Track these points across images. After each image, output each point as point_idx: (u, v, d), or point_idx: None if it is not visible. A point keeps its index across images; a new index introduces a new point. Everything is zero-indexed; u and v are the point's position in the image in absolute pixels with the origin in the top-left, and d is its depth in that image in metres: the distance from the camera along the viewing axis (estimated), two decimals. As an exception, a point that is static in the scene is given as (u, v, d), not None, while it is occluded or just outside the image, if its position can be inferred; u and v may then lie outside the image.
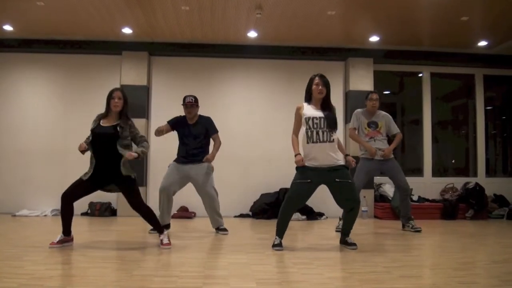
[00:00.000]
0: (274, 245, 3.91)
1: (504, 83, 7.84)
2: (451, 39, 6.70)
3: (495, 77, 7.64)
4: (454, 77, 7.70)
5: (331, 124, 3.82)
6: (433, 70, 7.46)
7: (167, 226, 4.80)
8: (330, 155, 3.80)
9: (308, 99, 3.97)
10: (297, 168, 3.91)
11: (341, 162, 3.89)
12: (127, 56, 6.86)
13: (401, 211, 5.32)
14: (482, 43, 6.88)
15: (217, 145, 4.94)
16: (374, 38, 6.71)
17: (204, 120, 4.97)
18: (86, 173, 3.88)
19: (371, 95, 5.26)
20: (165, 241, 3.94)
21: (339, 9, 5.63)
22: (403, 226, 5.30)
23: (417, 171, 7.34)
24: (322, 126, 3.80)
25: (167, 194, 4.75)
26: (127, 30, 6.43)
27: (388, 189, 6.83)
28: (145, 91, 6.86)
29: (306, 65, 7.12)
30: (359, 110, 5.36)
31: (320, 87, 3.86)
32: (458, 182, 7.09)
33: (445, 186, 7.08)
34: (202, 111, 5.05)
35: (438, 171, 7.54)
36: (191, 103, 4.87)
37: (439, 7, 5.45)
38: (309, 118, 3.83)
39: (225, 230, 4.90)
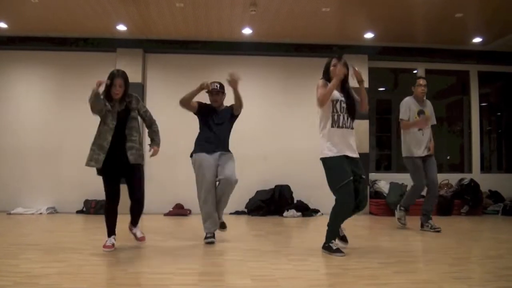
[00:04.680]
0: (334, 251, 3.51)
1: (498, 80, 7.87)
2: (445, 36, 6.70)
3: (490, 74, 7.67)
4: (449, 74, 7.73)
5: (352, 110, 3.65)
6: (427, 66, 7.45)
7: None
8: (350, 144, 3.63)
9: (327, 80, 3.69)
10: (324, 160, 3.61)
11: (357, 154, 3.69)
12: (122, 53, 6.83)
13: (423, 209, 5.04)
14: (477, 40, 6.89)
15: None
16: (368, 35, 6.70)
17: (229, 107, 4.52)
18: (94, 160, 3.50)
19: (418, 81, 5.00)
20: (139, 234, 3.86)
21: (334, 6, 5.63)
22: (422, 225, 5.02)
23: (412, 168, 7.33)
24: (345, 111, 3.63)
25: (212, 192, 4.22)
26: (121, 27, 6.39)
27: (383, 185, 6.83)
28: (140, 88, 6.82)
29: (301, 62, 7.11)
30: (407, 98, 5.07)
31: (339, 67, 3.60)
32: (453, 178, 7.11)
33: (440, 182, 7.08)
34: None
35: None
36: (216, 90, 4.32)
37: (434, 3, 5.46)
38: (336, 101, 3.60)
39: (224, 227, 4.68)
